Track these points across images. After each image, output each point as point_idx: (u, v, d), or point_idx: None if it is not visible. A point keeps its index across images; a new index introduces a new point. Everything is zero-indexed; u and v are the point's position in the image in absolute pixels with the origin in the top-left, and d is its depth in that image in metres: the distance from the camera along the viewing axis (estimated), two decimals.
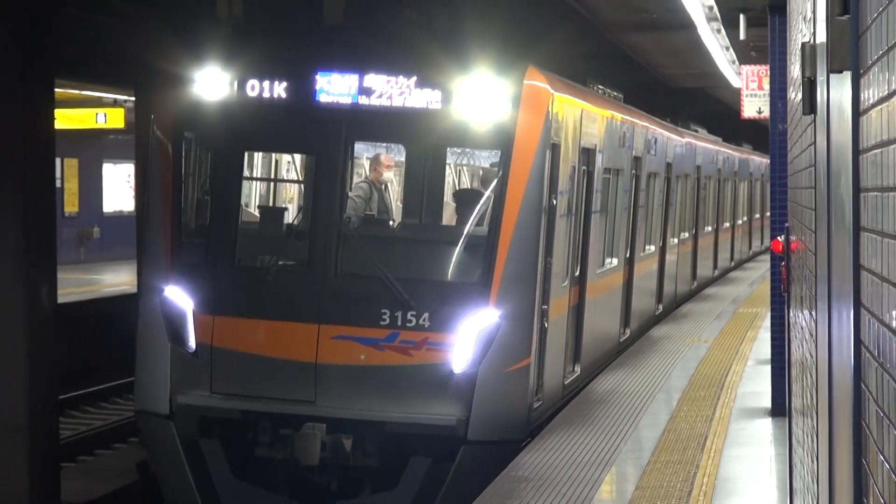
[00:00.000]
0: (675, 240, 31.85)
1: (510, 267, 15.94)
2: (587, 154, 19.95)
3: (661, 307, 30.50)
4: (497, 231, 16.02)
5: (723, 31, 24.10)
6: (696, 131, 36.22)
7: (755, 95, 24.87)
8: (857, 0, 4.42)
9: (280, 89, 16.39)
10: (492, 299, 15.83)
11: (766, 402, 18.74)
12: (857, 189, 4.45)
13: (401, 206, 19.78)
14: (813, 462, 7.71)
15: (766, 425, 17.76)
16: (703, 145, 34.94)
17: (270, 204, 20.26)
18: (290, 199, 20.92)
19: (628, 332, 25.62)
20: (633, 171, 25.02)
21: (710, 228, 38.10)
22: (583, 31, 25.71)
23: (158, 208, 16.81)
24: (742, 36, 22.72)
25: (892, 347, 3.68)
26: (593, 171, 20.39)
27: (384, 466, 15.83)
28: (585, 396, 19.81)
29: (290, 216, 18.74)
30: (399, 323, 15.88)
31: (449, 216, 19.20)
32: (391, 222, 18.23)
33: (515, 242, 15.97)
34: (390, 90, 16.15)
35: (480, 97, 16.04)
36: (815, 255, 7.41)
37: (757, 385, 20.42)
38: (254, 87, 16.36)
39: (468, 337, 15.70)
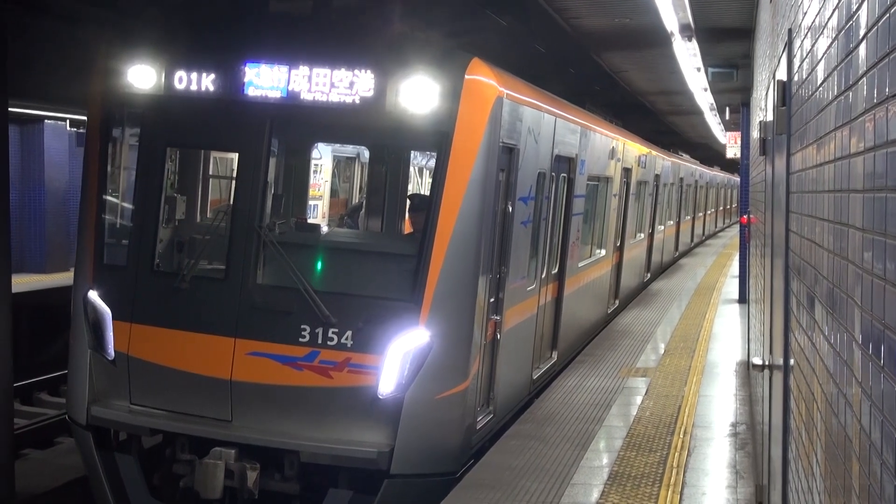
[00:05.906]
0: (662, 227, 22.65)
1: (445, 282, 7.32)
2: (568, 162, 10.85)
3: (648, 275, 20.87)
4: (431, 242, 7.31)
5: (717, 115, 23.52)
6: (681, 155, 29.47)
7: (733, 147, 24.17)
8: (790, 100, 4.33)
9: (207, 81, 7.77)
10: (422, 318, 7.27)
11: (736, 296, 18.31)
12: (787, 192, 4.35)
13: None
14: (762, 326, 7.52)
15: (735, 307, 17.35)
16: (684, 164, 28.16)
17: (200, 206, 9.69)
18: (221, 201, 9.83)
19: (617, 302, 16.04)
20: (624, 180, 15.60)
21: (689, 217, 30.69)
22: (648, 113, 25.24)
23: (87, 206, 8.17)
24: (727, 117, 22.39)
25: (805, 269, 3.58)
26: (574, 178, 11.11)
27: (300, 498, 7.51)
28: (648, 292, 19.51)
29: (214, 219, 8.47)
30: (319, 341, 7.37)
31: (383, 223, 9.90)
32: (323, 229, 8.81)
33: (451, 255, 7.33)
34: (319, 84, 7.52)
35: (416, 92, 7.38)
36: (764, 224, 7.22)
37: (731, 287, 19.97)
38: (181, 80, 7.82)
39: (394, 359, 7.27)
